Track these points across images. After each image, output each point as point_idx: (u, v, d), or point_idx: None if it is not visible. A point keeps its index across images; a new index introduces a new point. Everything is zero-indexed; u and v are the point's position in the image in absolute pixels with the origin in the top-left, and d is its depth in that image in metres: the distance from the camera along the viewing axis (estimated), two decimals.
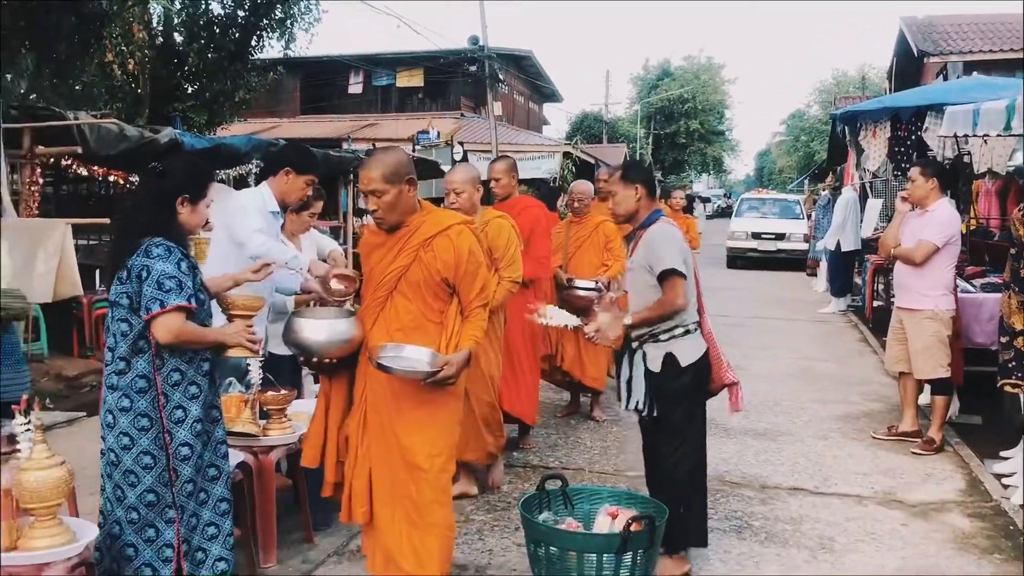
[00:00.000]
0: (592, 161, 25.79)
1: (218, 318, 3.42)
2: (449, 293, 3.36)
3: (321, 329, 3.35)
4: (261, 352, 3.85)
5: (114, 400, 3.04)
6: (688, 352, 3.89)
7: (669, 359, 3.86)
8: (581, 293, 6.18)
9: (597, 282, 6.23)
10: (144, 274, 2.98)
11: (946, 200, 6.08)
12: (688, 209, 12.09)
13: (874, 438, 6.24)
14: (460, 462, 4.62)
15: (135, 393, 3.02)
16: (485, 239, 4.49)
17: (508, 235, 4.86)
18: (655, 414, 3.90)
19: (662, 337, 3.87)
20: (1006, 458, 5.53)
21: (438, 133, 19.31)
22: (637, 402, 3.92)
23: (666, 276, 3.81)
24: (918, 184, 5.86)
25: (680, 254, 3.85)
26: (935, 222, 5.79)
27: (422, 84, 28.79)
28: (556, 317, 4.15)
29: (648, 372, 3.90)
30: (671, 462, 3.92)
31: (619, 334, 3.89)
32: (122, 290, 3.03)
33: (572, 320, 4.12)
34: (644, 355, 3.91)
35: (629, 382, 3.98)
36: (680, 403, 3.90)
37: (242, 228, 4.21)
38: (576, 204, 6.67)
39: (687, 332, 3.89)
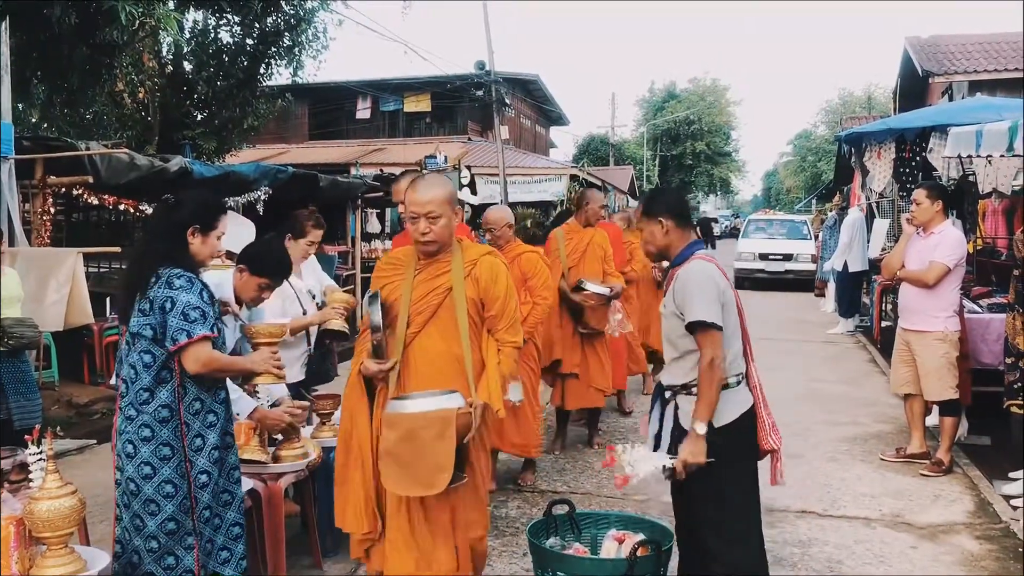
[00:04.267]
0: (599, 183, 25.90)
1: None
2: None
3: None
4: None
5: (134, 430, 3.06)
6: (725, 409, 3.24)
7: None
8: None
9: None
10: (168, 305, 3.03)
11: (950, 221, 6.10)
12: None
13: (882, 460, 6.24)
14: None
15: (157, 423, 3.06)
16: (475, 286, 3.42)
17: (507, 283, 3.50)
18: (682, 478, 3.25)
19: (695, 390, 3.26)
20: (1015, 479, 5.50)
21: (445, 157, 19.38)
22: (662, 464, 3.26)
23: (696, 329, 3.21)
24: (924, 207, 5.88)
25: (715, 300, 3.22)
26: (945, 244, 5.80)
27: (429, 109, 29.00)
28: (642, 463, 3.25)
29: (679, 428, 3.31)
30: (711, 544, 3.29)
31: (700, 452, 3.18)
32: (145, 322, 3.06)
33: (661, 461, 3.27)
34: (676, 407, 3.34)
35: (658, 437, 3.41)
36: (717, 469, 3.20)
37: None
38: (488, 235, 5.58)
39: (725, 386, 3.24)
